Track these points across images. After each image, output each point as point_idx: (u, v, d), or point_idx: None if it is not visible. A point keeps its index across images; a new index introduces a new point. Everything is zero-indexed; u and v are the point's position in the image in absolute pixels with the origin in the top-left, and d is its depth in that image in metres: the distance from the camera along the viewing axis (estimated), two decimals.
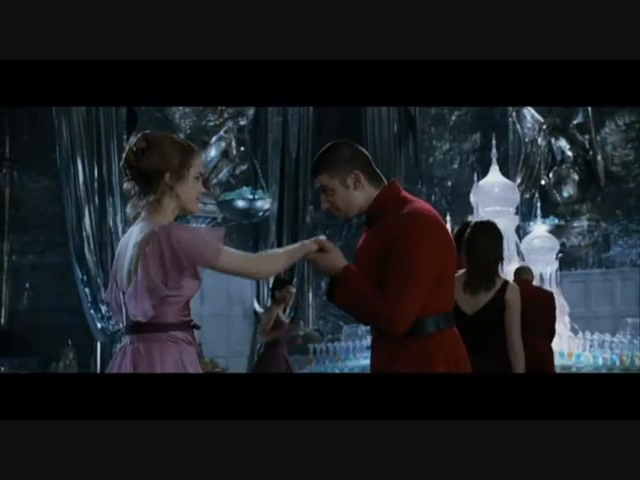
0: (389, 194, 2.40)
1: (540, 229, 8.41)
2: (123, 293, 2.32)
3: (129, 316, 2.31)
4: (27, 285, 8.20)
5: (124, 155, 2.35)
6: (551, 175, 9.71)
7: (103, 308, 7.56)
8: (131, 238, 2.33)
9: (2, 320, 8.13)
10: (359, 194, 2.39)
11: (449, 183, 9.78)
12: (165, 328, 2.27)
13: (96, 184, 7.59)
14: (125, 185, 2.37)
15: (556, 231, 8.96)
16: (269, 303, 8.64)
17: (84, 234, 7.55)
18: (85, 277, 7.54)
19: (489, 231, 3.75)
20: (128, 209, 2.36)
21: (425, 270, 2.26)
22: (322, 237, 2.47)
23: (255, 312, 8.96)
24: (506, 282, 3.64)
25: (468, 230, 3.72)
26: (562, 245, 8.84)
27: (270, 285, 8.88)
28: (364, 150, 2.46)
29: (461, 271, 3.54)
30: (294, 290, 6.96)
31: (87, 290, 7.56)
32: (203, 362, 6.56)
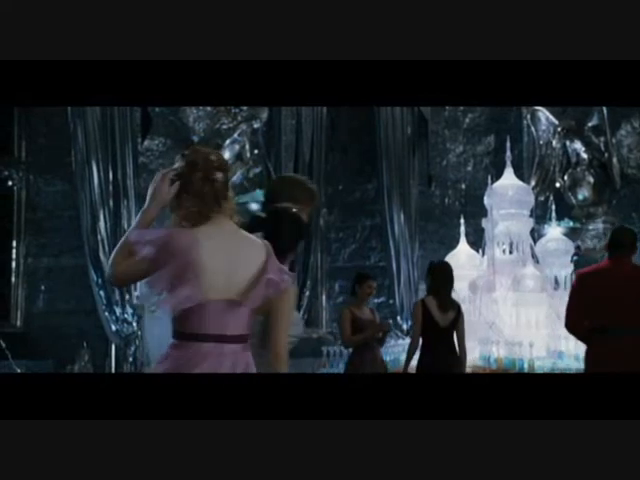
0: None
1: (555, 232, 8.36)
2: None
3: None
4: (42, 288, 8.25)
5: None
6: (566, 177, 9.65)
7: (117, 310, 7.60)
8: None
9: (18, 322, 8.18)
10: None
11: (463, 186, 9.74)
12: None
13: (111, 187, 7.63)
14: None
15: (571, 234, 8.90)
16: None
17: (99, 237, 7.59)
18: (100, 280, 7.58)
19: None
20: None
21: None
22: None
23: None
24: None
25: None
26: (577, 248, 8.77)
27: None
28: None
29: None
30: (375, 285, 6.20)
31: (102, 293, 7.59)
32: None
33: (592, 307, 4.27)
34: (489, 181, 7.90)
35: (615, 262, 4.40)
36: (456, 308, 5.46)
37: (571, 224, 9.28)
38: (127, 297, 7.63)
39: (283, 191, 2.91)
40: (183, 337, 2.25)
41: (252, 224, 2.71)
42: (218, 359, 2.23)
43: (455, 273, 5.72)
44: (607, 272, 4.40)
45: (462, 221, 8.18)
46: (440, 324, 5.37)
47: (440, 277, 5.52)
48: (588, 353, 4.38)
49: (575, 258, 8.31)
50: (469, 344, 5.76)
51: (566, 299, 7.12)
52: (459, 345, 5.39)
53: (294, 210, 2.75)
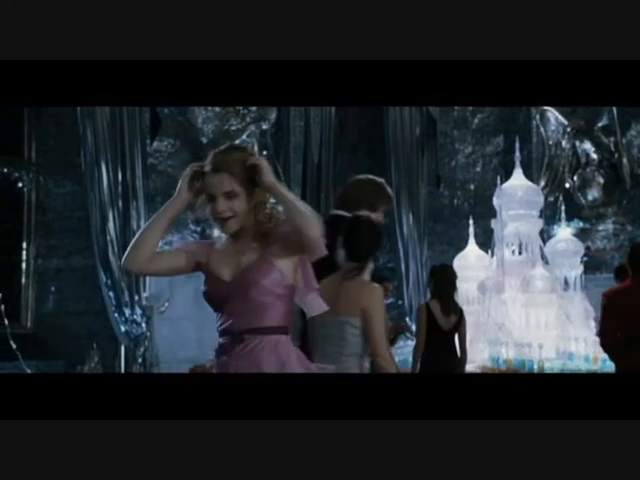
0: None
1: (564, 232, 8.33)
2: None
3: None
4: (52, 288, 8.28)
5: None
6: (576, 178, 9.62)
7: (127, 311, 7.62)
8: None
9: (28, 323, 8.21)
10: None
11: (472, 186, 9.72)
12: None
13: (120, 188, 7.65)
14: None
15: (581, 234, 8.87)
16: None
17: (108, 238, 7.61)
18: (109, 281, 7.60)
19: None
20: None
21: None
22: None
23: None
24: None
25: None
26: (587, 249, 8.74)
27: None
28: None
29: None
30: (391, 286, 6.32)
31: (111, 293, 7.61)
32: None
33: (620, 324, 4.39)
34: (498, 182, 7.88)
35: (637, 279, 4.49)
36: (458, 312, 5.50)
37: (581, 225, 9.25)
38: (136, 298, 7.66)
39: (364, 198, 3.03)
40: (286, 331, 2.31)
41: (335, 226, 2.75)
42: None
43: (464, 274, 5.71)
44: (631, 290, 4.53)
45: (471, 222, 8.16)
46: (443, 327, 5.42)
47: (442, 280, 5.56)
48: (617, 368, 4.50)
49: (585, 259, 8.28)
50: (478, 345, 5.75)
51: (576, 300, 7.15)
52: (460, 348, 5.43)
53: (374, 219, 2.84)
